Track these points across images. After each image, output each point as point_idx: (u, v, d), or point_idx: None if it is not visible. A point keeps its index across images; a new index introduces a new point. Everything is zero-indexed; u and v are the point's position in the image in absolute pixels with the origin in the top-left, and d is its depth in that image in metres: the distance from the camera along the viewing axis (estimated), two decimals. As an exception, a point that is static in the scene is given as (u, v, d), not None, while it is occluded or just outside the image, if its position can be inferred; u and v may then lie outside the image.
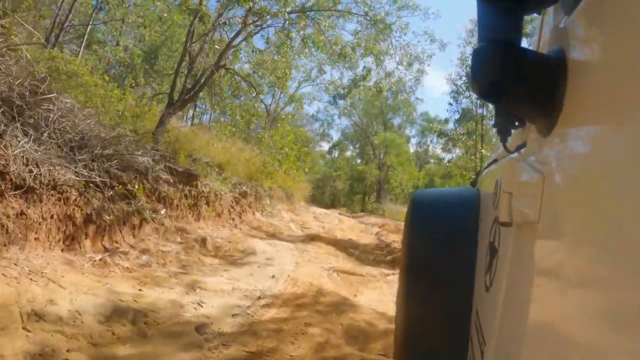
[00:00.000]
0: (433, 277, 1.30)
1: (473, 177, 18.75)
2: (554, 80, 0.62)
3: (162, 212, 7.64)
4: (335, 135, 52.15)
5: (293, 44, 11.14)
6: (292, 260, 8.00)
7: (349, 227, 17.38)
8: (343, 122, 45.08)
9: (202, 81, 10.82)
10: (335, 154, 39.59)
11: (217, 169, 12.27)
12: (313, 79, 17.91)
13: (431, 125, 24.27)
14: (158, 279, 5.94)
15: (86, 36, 19.25)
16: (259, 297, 5.68)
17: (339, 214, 25.31)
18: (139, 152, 9.05)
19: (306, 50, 11.05)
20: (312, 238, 10.99)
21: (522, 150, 0.88)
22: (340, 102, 30.02)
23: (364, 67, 29.99)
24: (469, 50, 19.21)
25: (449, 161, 22.58)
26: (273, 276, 6.76)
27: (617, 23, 0.46)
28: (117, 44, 20.49)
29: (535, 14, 0.88)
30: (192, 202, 8.67)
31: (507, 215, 0.74)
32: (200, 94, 14.99)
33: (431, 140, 38.76)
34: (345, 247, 11.51)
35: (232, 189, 11.10)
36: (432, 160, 38.27)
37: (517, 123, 0.87)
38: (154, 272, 6.13)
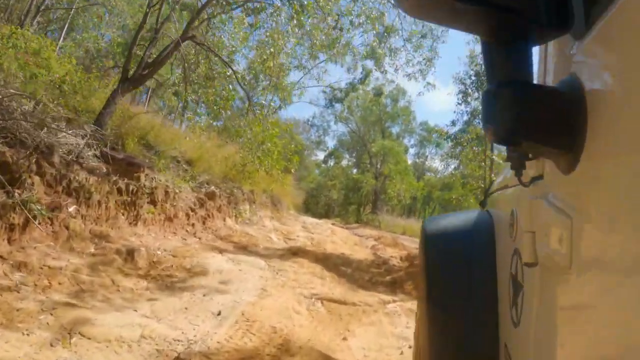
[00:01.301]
0: (455, 310, 1.21)
1: (480, 185, 16.41)
2: (573, 116, 0.56)
3: (71, 209, 5.14)
4: (331, 143, 50.03)
5: (279, 17, 8.77)
6: (258, 285, 5.51)
7: (341, 239, 14.88)
8: (339, 128, 42.92)
9: (164, 54, 8.43)
10: (331, 162, 37.24)
11: (184, 165, 9.84)
12: (304, 67, 15.61)
13: (436, 127, 21.95)
14: (18, 314, 3.48)
15: (67, 25, 17.09)
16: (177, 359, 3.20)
17: (332, 224, 22.79)
18: (67, 130, 6.64)
19: (294, 23, 8.67)
20: (295, 252, 8.51)
21: (539, 183, 0.81)
22: (337, 105, 27.83)
23: (363, 71, 27.87)
24: (477, 49, 16.97)
25: (454, 169, 20.24)
26: (219, 313, 4.27)
27: (636, 45, 0.42)
28: (100, 33, 18.38)
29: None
30: (129, 199, 6.18)
31: (532, 256, 0.73)
32: (176, 79, 12.67)
33: (430, 152, 36.53)
34: (336, 264, 9.02)
35: (197, 187, 8.63)
36: (429, 173, 36.03)
37: (531, 156, 0.74)
38: (18, 302, 3.65)
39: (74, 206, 5.23)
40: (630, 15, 0.45)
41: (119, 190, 6.15)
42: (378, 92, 28.71)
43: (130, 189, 6.28)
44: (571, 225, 0.56)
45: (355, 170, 34.72)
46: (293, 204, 21.95)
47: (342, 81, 40.51)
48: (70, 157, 5.61)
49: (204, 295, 4.80)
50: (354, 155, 36.35)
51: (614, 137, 0.47)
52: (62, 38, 17.11)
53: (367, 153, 31.61)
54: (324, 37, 9.51)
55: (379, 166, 30.27)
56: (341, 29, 9.07)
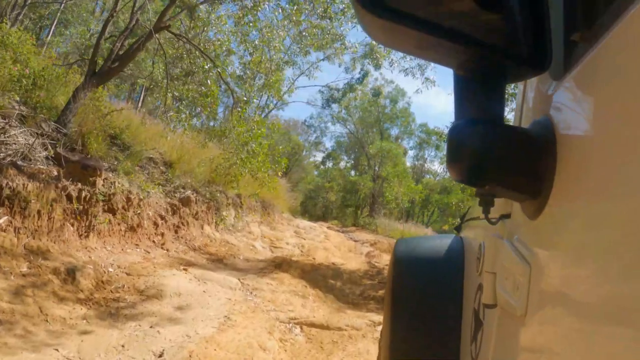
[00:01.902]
0: (417, 338, 1.21)
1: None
2: (541, 160, 0.53)
3: (1, 221, 4.29)
4: (329, 143, 49.17)
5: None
6: (222, 310, 4.64)
7: (335, 245, 14.01)
8: (337, 129, 42.06)
9: (135, 46, 7.57)
10: (329, 164, 36.37)
11: (161, 167, 8.98)
12: (295, 62, 14.70)
13: (435, 129, 21.06)
14: None
15: (55, 20, 16.30)
16: None
17: (327, 227, 21.90)
18: (18, 129, 5.80)
19: (280, 12, 7.81)
20: (278, 265, 7.64)
21: (506, 221, 0.78)
22: (335, 106, 26.91)
23: (362, 70, 26.98)
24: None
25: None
26: (160, 355, 3.40)
27: (614, 88, 0.41)
28: (88, 28, 17.56)
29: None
30: (80, 207, 5.31)
31: (492, 297, 0.71)
32: (159, 75, 11.80)
33: (429, 154, 35.65)
34: (324, 276, 8.15)
35: (170, 192, 7.76)
36: (427, 175, 35.12)
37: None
38: None
39: (5, 217, 4.36)
40: (609, 60, 0.43)
41: (69, 198, 5.29)
42: (376, 93, 27.82)
43: (83, 195, 5.42)
44: (529, 273, 0.55)
45: (353, 173, 33.87)
46: (288, 206, 21.08)
47: (340, 81, 39.72)
48: (7, 160, 4.75)
49: (150, 327, 3.93)
50: (352, 157, 35.49)
51: (582, 185, 0.45)
52: (51, 33, 16.33)
53: (364, 155, 30.73)
54: (313, 29, 8.65)
55: (377, 168, 29.39)
56: (330, 18, 8.19)
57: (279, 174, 9.96)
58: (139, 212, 6.29)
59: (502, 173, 0.57)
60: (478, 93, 0.59)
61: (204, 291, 5.04)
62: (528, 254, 0.57)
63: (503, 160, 0.56)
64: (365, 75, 22.85)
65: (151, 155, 9.24)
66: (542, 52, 0.55)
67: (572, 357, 0.41)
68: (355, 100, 27.09)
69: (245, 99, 8.50)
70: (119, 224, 5.86)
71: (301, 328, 5.07)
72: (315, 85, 38.42)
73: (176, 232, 7.25)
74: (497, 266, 0.71)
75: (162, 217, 6.98)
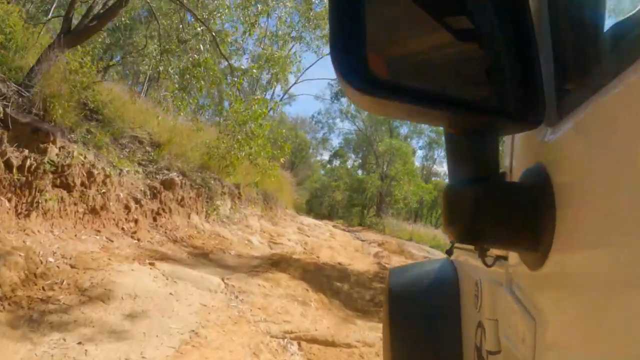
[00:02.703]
0: None
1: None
2: (540, 213, 0.51)
3: None
4: (337, 140, 47.84)
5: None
6: (191, 321, 3.37)
7: (341, 244, 12.71)
8: (346, 126, 40.73)
9: (117, 3, 6.34)
10: (336, 162, 35.06)
11: (148, 147, 7.74)
12: (302, 38, 13.36)
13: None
14: None
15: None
16: None
17: (333, 226, 20.58)
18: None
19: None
20: (275, 263, 6.36)
21: (503, 263, 0.74)
22: (344, 100, 25.58)
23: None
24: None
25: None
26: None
27: (613, 138, 0.40)
28: None
29: None
30: (22, 179, 4.07)
31: (496, 345, 0.70)
32: (154, 51, 10.56)
33: (439, 154, 34.26)
34: (329, 278, 6.86)
35: (152, 173, 6.52)
36: (435, 177, 33.70)
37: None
38: None
39: None
40: (607, 109, 0.42)
41: (8, 165, 4.05)
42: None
43: (28, 164, 4.17)
44: (535, 328, 0.53)
45: (360, 172, 32.54)
46: (292, 202, 19.79)
47: None
48: None
49: (79, 343, 2.67)
50: (359, 155, 34.18)
51: (584, 234, 0.43)
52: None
53: (373, 153, 29.40)
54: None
55: (385, 167, 28.04)
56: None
57: (282, 160, 8.65)
58: (103, 191, 5.04)
59: (498, 232, 0.54)
60: (470, 150, 0.56)
61: (170, 294, 3.77)
62: (531, 308, 0.56)
63: (498, 219, 0.54)
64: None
65: (136, 134, 8.03)
66: (534, 108, 0.53)
67: None
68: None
69: (242, 67, 7.20)
70: (75, 204, 4.60)
71: (299, 345, 3.80)
72: (324, 79, 37.04)
73: (154, 219, 6.00)
74: (499, 313, 0.69)
75: (138, 201, 5.73)
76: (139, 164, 6.64)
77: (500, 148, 0.59)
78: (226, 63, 8.17)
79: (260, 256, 6.80)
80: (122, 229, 5.27)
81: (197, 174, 8.02)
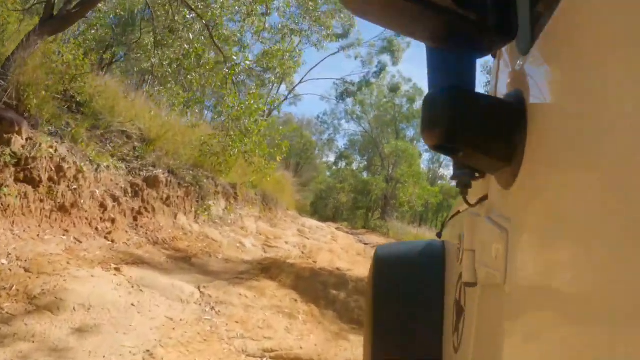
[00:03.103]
0: (399, 339, 1.18)
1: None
2: (512, 127, 0.54)
3: None
4: (342, 142, 47.18)
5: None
6: (150, 338, 2.85)
7: (342, 247, 12.16)
8: (351, 127, 40.17)
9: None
10: (342, 164, 34.49)
11: (136, 143, 7.28)
12: (301, 31, 12.68)
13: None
14: None
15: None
16: None
17: (336, 228, 20.00)
18: None
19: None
20: (266, 268, 5.84)
21: (484, 203, 0.78)
22: (349, 101, 25.03)
23: (379, 63, 25.13)
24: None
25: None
26: None
27: (576, 60, 0.41)
28: None
29: (491, 57, 0.83)
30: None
31: (472, 275, 0.69)
32: (149, 44, 10.09)
33: (445, 158, 33.54)
34: (325, 285, 6.34)
35: (135, 170, 6.04)
36: (441, 181, 33.01)
37: (477, 174, 0.69)
38: None
39: None
40: (566, 28, 0.44)
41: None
42: (394, 88, 25.89)
43: (-18, 157, 3.70)
44: (507, 238, 0.53)
45: (365, 174, 31.93)
46: (294, 203, 19.26)
47: (356, 74, 37.62)
48: None
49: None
50: (365, 157, 33.58)
51: (552, 151, 0.45)
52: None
53: (378, 155, 28.80)
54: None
55: (390, 169, 27.42)
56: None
57: (278, 159, 8.13)
58: (75, 187, 4.56)
59: (475, 137, 0.56)
60: (450, 64, 0.59)
61: (132, 304, 3.27)
62: (504, 222, 0.57)
63: (476, 125, 0.56)
64: (382, 69, 20.95)
65: (125, 129, 7.56)
66: (508, 20, 0.55)
67: (553, 319, 0.40)
68: (371, 95, 25.21)
69: (234, 58, 6.69)
70: (41, 201, 4.13)
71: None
72: (330, 79, 36.44)
73: (135, 219, 5.51)
74: (476, 243, 0.69)
75: (116, 199, 5.25)
76: (122, 159, 6.16)
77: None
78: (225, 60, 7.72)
79: (251, 260, 6.29)
80: (96, 229, 4.78)
81: (187, 171, 7.53)
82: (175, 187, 6.54)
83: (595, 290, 0.32)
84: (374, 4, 0.54)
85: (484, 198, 0.76)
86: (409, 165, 23.84)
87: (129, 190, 5.62)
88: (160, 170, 6.30)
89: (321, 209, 31.51)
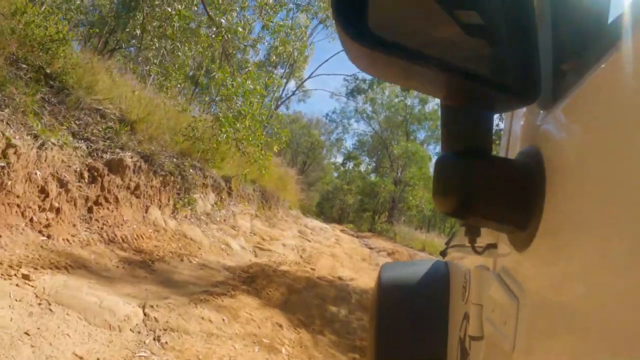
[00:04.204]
0: None
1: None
2: (529, 192, 0.50)
3: None
4: (351, 141, 45.95)
5: None
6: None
7: (346, 251, 10.99)
8: (361, 127, 38.89)
9: None
10: (350, 165, 33.34)
11: (111, 124, 6.18)
12: (303, 7, 11.54)
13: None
14: None
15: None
16: None
17: (341, 230, 18.84)
18: None
19: None
20: (251, 277, 4.68)
21: (492, 251, 0.72)
22: (360, 98, 23.82)
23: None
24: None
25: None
26: None
27: (604, 127, 0.39)
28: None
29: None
30: None
31: (478, 330, 0.68)
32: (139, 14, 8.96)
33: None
34: (323, 299, 5.20)
35: (97, 152, 4.92)
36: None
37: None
38: None
39: None
40: (599, 92, 0.41)
41: None
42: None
43: None
44: (517, 308, 0.50)
45: (373, 176, 30.72)
46: (298, 203, 18.09)
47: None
48: None
49: None
50: (374, 159, 32.36)
51: (571, 216, 0.42)
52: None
53: (387, 157, 27.56)
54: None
55: (399, 172, 26.17)
56: None
57: (276, 148, 6.97)
58: (2, 165, 3.44)
59: (488, 206, 0.52)
60: (465, 124, 0.55)
61: (27, 333, 2.12)
62: (515, 288, 0.54)
63: (489, 193, 0.52)
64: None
65: (101, 107, 6.48)
66: (531, 83, 0.52)
67: None
68: (382, 95, 23.99)
69: (223, 22, 5.54)
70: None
71: None
72: (340, 74, 35.22)
73: (90, 210, 4.38)
74: (484, 298, 0.68)
75: (64, 184, 4.12)
76: (85, 138, 5.05)
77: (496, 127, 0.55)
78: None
79: (234, 267, 5.13)
80: (30, 220, 3.66)
81: (170, 159, 6.41)
82: (148, 175, 5.41)
83: None
84: (392, 71, 0.51)
85: (492, 245, 0.71)
86: (419, 168, 22.57)
87: (86, 174, 4.50)
88: (129, 154, 5.17)
89: (327, 210, 30.43)
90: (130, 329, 2.60)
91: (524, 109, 0.68)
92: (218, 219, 7.29)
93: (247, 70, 6.37)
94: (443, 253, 1.43)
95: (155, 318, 2.78)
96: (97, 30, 9.22)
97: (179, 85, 7.45)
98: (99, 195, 4.57)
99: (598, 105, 0.41)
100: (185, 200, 6.08)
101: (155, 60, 6.75)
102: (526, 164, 0.53)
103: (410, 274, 1.32)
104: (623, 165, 0.33)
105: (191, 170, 6.90)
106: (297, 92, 22.31)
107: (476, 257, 0.75)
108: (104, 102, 6.72)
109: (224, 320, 3.07)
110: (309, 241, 10.78)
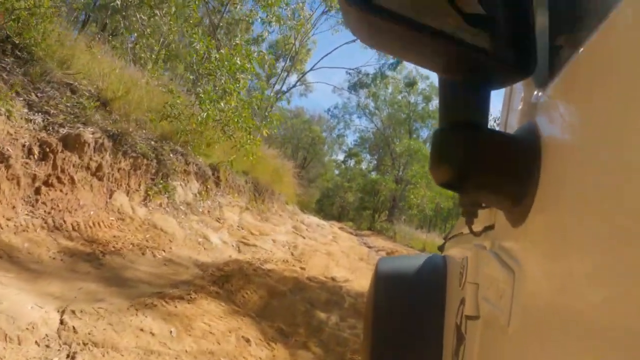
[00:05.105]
0: (399, 354, 1.14)
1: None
2: (525, 166, 0.50)
3: None
4: (352, 137, 45.23)
5: None
6: None
7: (343, 250, 10.28)
8: (362, 123, 38.18)
9: None
10: (351, 162, 32.68)
11: (83, 100, 5.51)
12: None
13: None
14: None
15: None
16: None
17: (339, 228, 18.10)
18: None
19: None
20: (225, 276, 3.98)
21: (489, 233, 0.73)
22: (362, 93, 23.06)
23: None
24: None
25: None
26: None
27: (598, 100, 0.39)
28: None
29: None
30: None
31: (474, 309, 0.68)
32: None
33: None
34: (312, 304, 4.54)
35: (53, 126, 4.23)
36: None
37: (484, 204, 0.65)
38: None
39: None
40: (591, 65, 0.41)
41: None
42: (410, 83, 23.84)
43: None
44: (513, 280, 0.50)
45: (374, 174, 30.05)
46: (296, 198, 17.37)
47: (371, 65, 35.41)
48: None
49: None
50: (375, 157, 31.65)
51: (566, 191, 0.42)
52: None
53: (389, 154, 26.82)
54: None
55: (401, 170, 25.45)
56: None
57: (265, 132, 6.26)
58: None
59: (484, 177, 0.53)
60: (462, 98, 0.55)
61: None
62: (511, 262, 0.54)
63: (486, 164, 0.53)
64: (399, 61, 19.01)
65: (73, 83, 5.81)
66: (527, 56, 0.52)
67: None
68: (385, 90, 23.23)
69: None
70: None
71: None
72: (343, 68, 34.41)
73: (37, 191, 3.68)
74: (480, 277, 0.68)
75: (5, 159, 3.43)
76: (41, 110, 4.36)
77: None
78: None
79: (208, 263, 4.42)
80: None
81: (146, 141, 5.71)
82: (116, 155, 4.70)
83: (606, 339, 0.30)
84: (391, 41, 0.52)
85: (489, 227, 0.72)
86: (422, 167, 21.86)
87: (36, 150, 3.81)
88: (91, 129, 4.47)
89: (327, 207, 29.83)
90: (36, 342, 1.91)
91: (522, 89, 0.68)
92: (200, 210, 6.59)
93: (234, 44, 5.64)
94: (441, 248, 1.42)
95: (74, 328, 2.08)
96: (90, 13, 8.54)
97: (162, 62, 6.73)
98: (50, 175, 3.87)
99: (591, 78, 0.40)
100: (161, 186, 5.38)
101: (141, 39, 6.04)
102: (522, 137, 0.54)
103: (407, 266, 1.32)
104: (618, 139, 0.33)
105: (171, 155, 6.20)
106: (298, 84, 21.54)
107: (474, 241, 0.75)
108: (78, 76, 6.06)
109: (171, 332, 2.37)
110: (303, 237, 10.06)
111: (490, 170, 0.52)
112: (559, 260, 0.41)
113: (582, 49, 0.42)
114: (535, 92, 0.58)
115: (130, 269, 3.37)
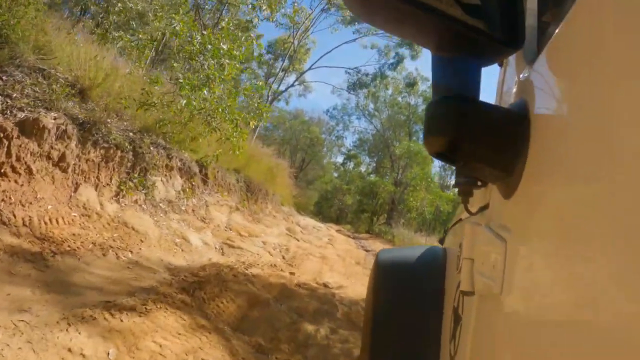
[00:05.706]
0: (398, 345, 1.15)
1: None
2: (515, 138, 0.53)
3: None
4: (351, 139, 44.76)
5: None
6: None
7: (339, 253, 9.79)
8: (362, 124, 37.72)
9: None
10: (350, 165, 32.22)
11: (57, 86, 5.05)
12: None
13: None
14: None
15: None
16: None
17: (337, 230, 17.62)
18: None
19: None
20: (197, 282, 3.50)
21: (485, 212, 0.76)
22: (361, 92, 22.58)
23: (397, 55, 22.67)
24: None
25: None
26: None
27: (582, 71, 0.40)
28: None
29: (497, 66, 0.83)
30: None
31: (469, 284, 0.67)
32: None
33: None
34: (299, 313, 4.06)
35: (14, 109, 3.76)
36: (446, 191, 30.56)
37: (479, 183, 0.67)
38: None
39: None
40: (574, 39, 0.43)
41: None
42: (411, 83, 23.38)
43: None
44: (505, 248, 0.52)
45: (373, 176, 29.59)
46: (292, 199, 16.89)
47: (370, 65, 34.88)
48: None
49: None
50: (374, 159, 31.19)
51: (554, 162, 0.43)
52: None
53: (388, 157, 26.34)
54: None
55: (400, 173, 24.98)
56: None
57: (252, 124, 5.79)
58: None
59: (476, 148, 0.55)
60: (454, 73, 0.58)
61: None
62: (503, 232, 0.56)
63: (477, 135, 0.55)
64: (399, 61, 18.60)
65: (46, 68, 5.35)
66: (516, 31, 0.55)
67: (549, 330, 0.39)
68: (385, 91, 22.78)
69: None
70: None
71: None
72: (342, 67, 33.98)
73: (-19, 184, 3.20)
74: (475, 252, 0.68)
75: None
76: (4, 94, 3.89)
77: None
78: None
79: (183, 267, 3.94)
80: None
81: (123, 132, 5.23)
82: (85, 145, 4.23)
83: (594, 302, 0.31)
84: (384, 14, 0.54)
85: (485, 207, 0.76)
86: (421, 169, 21.37)
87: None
88: (53, 114, 3.99)
89: (325, 209, 29.37)
90: None
91: (513, 67, 0.72)
92: (183, 208, 6.11)
93: (220, 27, 5.18)
94: (441, 241, 1.46)
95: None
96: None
97: (148, 51, 6.26)
98: (3, 163, 3.40)
99: (574, 51, 0.41)
100: (136, 181, 4.90)
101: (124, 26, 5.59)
102: (512, 110, 0.57)
103: (407, 256, 1.34)
104: (602, 109, 0.34)
105: (151, 148, 5.72)
106: (296, 84, 21.10)
107: (470, 222, 0.78)
108: (54, 62, 5.61)
109: (108, 354, 1.88)
110: (297, 240, 9.58)
111: (480, 141, 0.53)
112: (548, 227, 0.42)
113: (563, 23, 0.43)
114: (525, 70, 0.60)
115: (81, 272, 2.89)
